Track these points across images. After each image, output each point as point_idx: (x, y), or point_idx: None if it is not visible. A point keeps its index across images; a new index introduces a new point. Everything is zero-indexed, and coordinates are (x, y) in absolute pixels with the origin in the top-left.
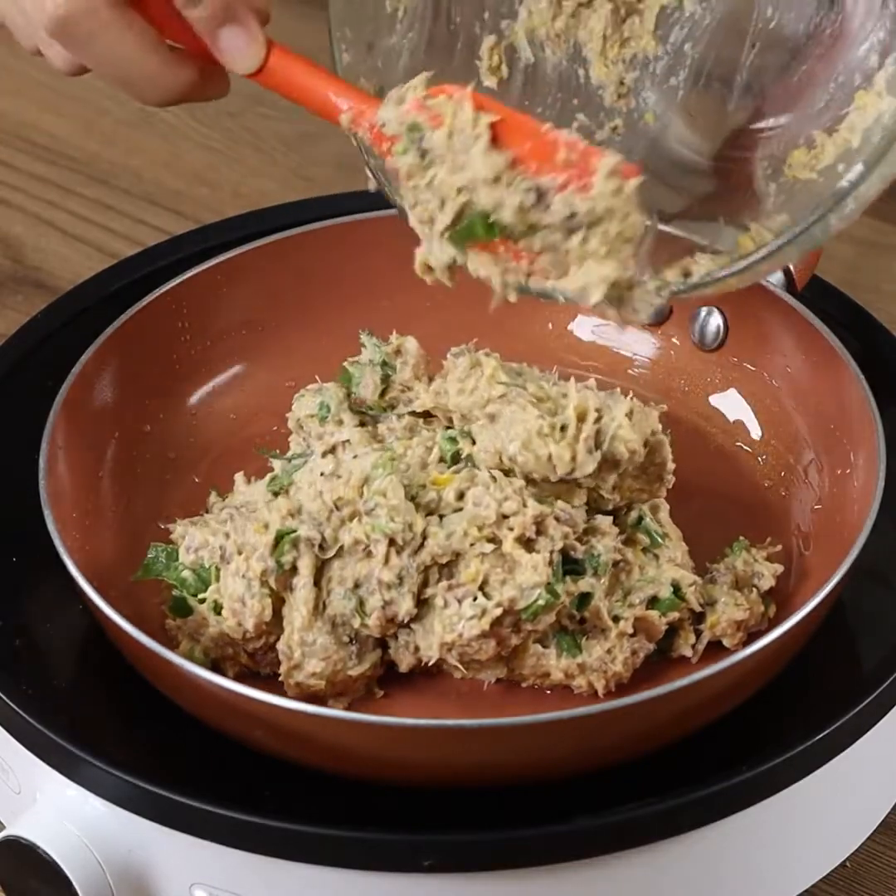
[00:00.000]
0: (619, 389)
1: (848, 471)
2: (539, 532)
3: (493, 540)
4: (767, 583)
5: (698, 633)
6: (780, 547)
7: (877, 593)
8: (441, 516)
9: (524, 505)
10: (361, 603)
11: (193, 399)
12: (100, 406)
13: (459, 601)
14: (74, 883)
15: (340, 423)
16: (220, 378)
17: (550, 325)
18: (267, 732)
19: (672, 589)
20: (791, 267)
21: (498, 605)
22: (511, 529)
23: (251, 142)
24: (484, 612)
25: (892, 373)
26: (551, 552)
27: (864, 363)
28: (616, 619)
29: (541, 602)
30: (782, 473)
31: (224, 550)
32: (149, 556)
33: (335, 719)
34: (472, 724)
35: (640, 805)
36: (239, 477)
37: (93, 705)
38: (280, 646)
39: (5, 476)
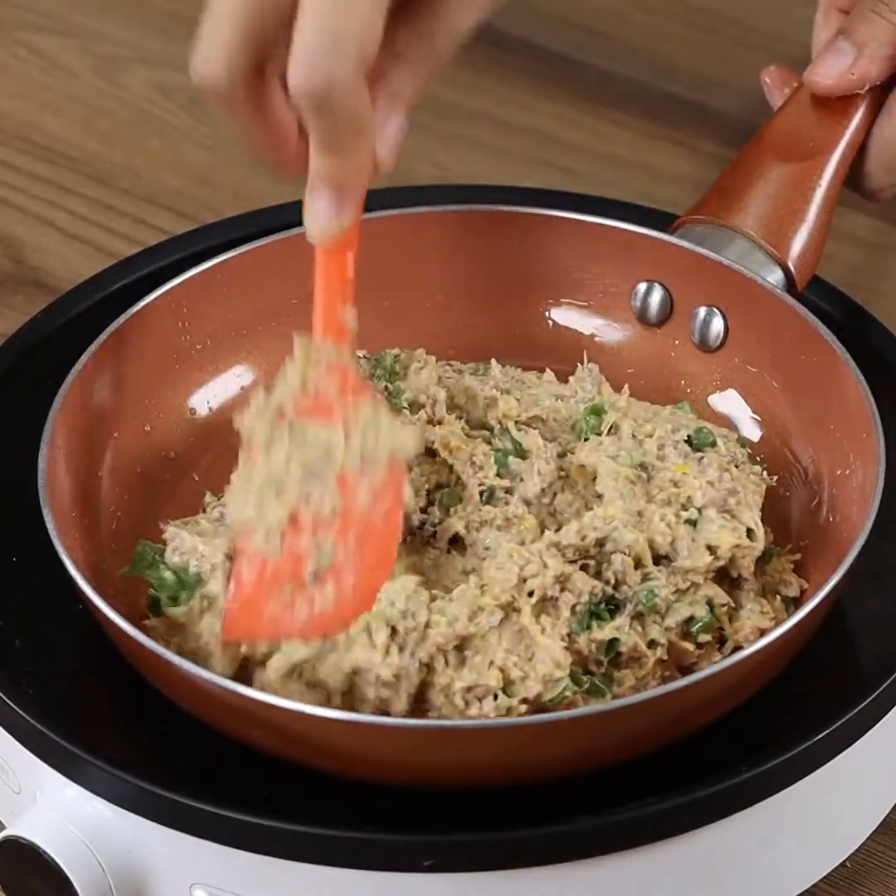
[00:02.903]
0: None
1: (847, 471)
2: (562, 588)
3: (505, 607)
4: (793, 591)
5: (722, 642)
6: (799, 556)
7: (877, 593)
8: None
9: (545, 566)
10: (355, 685)
11: (193, 399)
12: (99, 406)
13: (480, 700)
14: (74, 883)
15: None
16: (219, 378)
17: (551, 324)
18: (265, 732)
19: (708, 608)
20: (791, 267)
21: (523, 701)
22: (530, 595)
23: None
24: (509, 709)
25: (892, 373)
26: (573, 610)
27: (864, 363)
28: (652, 643)
29: (568, 693)
30: (782, 474)
31: (214, 568)
32: (136, 551)
33: (335, 720)
34: (472, 724)
35: (640, 805)
36: (235, 477)
37: (93, 705)
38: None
39: (5, 476)
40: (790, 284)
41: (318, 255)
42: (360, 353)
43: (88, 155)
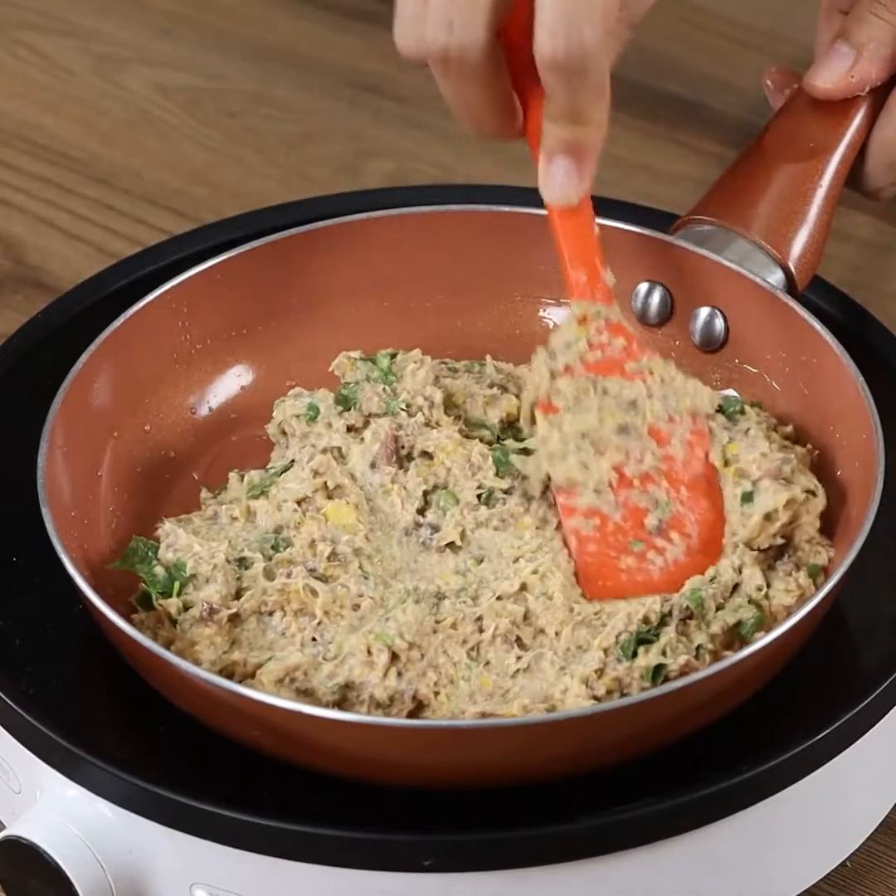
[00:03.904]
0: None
1: (847, 471)
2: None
3: (521, 644)
4: (822, 560)
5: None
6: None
7: (877, 594)
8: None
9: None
10: (345, 699)
11: (193, 399)
12: (99, 405)
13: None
14: (74, 883)
15: (329, 426)
16: (219, 378)
17: (551, 325)
18: (264, 733)
19: (755, 607)
20: (792, 268)
21: None
22: (557, 634)
23: (251, 142)
24: None
25: (892, 373)
26: (617, 639)
27: (863, 363)
28: (699, 651)
29: None
30: None
31: (215, 569)
32: (130, 546)
33: (334, 720)
34: (471, 724)
35: (640, 805)
36: (233, 475)
37: (93, 705)
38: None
39: (5, 476)
40: (791, 285)
41: (561, 221)
42: (355, 355)
43: (88, 155)
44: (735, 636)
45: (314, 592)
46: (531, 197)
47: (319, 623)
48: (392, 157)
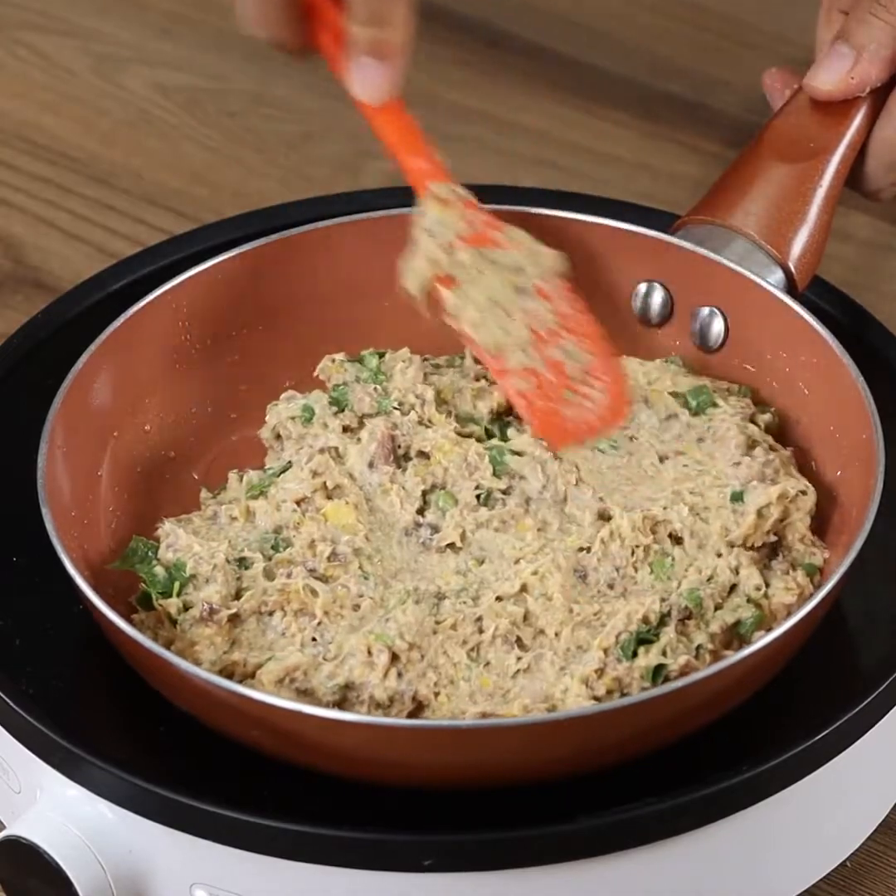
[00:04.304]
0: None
1: (847, 471)
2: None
3: (521, 645)
4: (818, 560)
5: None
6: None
7: (877, 593)
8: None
9: (570, 610)
10: (345, 699)
11: (193, 399)
12: (99, 405)
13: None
14: (74, 883)
15: (325, 426)
16: (219, 378)
17: None
18: (264, 733)
19: (754, 606)
20: (792, 268)
21: None
22: (557, 635)
23: (251, 142)
24: None
25: (892, 373)
26: (617, 639)
27: (863, 363)
28: (699, 651)
29: None
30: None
31: (215, 569)
32: (130, 546)
33: (334, 720)
34: (471, 724)
35: (640, 805)
36: (232, 475)
37: (93, 705)
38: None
39: (5, 476)
40: (791, 285)
41: (380, 117)
42: (339, 357)
43: (88, 155)
44: (734, 636)
45: (314, 592)
46: (531, 197)
47: (319, 623)
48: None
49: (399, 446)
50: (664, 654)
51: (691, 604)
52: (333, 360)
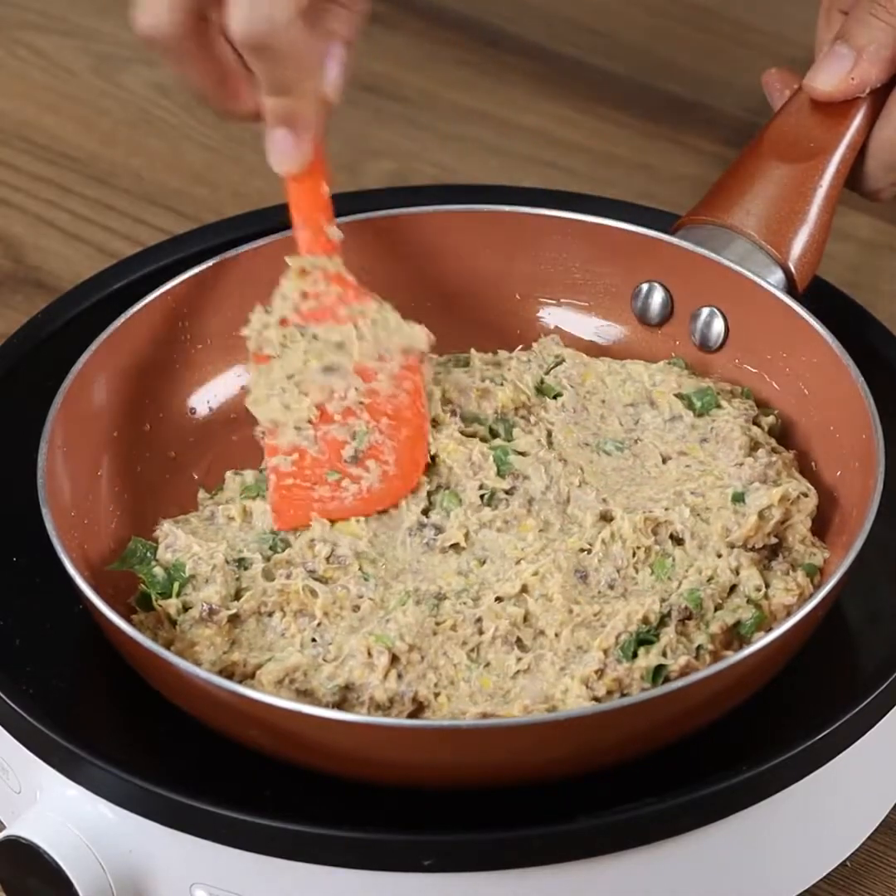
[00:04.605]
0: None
1: (847, 471)
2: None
3: (522, 646)
4: (818, 560)
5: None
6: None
7: (877, 593)
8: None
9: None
10: (345, 700)
11: (193, 399)
12: (99, 405)
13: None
14: (75, 883)
15: None
16: (219, 378)
17: (553, 326)
18: (263, 732)
19: (754, 607)
20: (792, 268)
21: None
22: (557, 636)
23: (251, 142)
24: None
25: (892, 373)
26: (617, 640)
27: (864, 364)
28: (699, 651)
29: None
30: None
31: (214, 569)
32: (128, 547)
33: (334, 721)
34: (472, 724)
35: (640, 805)
36: (229, 475)
37: (93, 705)
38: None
39: (5, 476)
40: (791, 285)
41: (290, 186)
42: None
43: (88, 155)
44: (734, 636)
45: (313, 593)
46: (531, 197)
47: (319, 624)
48: (392, 157)
49: None
50: (664, 654)
51: (691, 604)
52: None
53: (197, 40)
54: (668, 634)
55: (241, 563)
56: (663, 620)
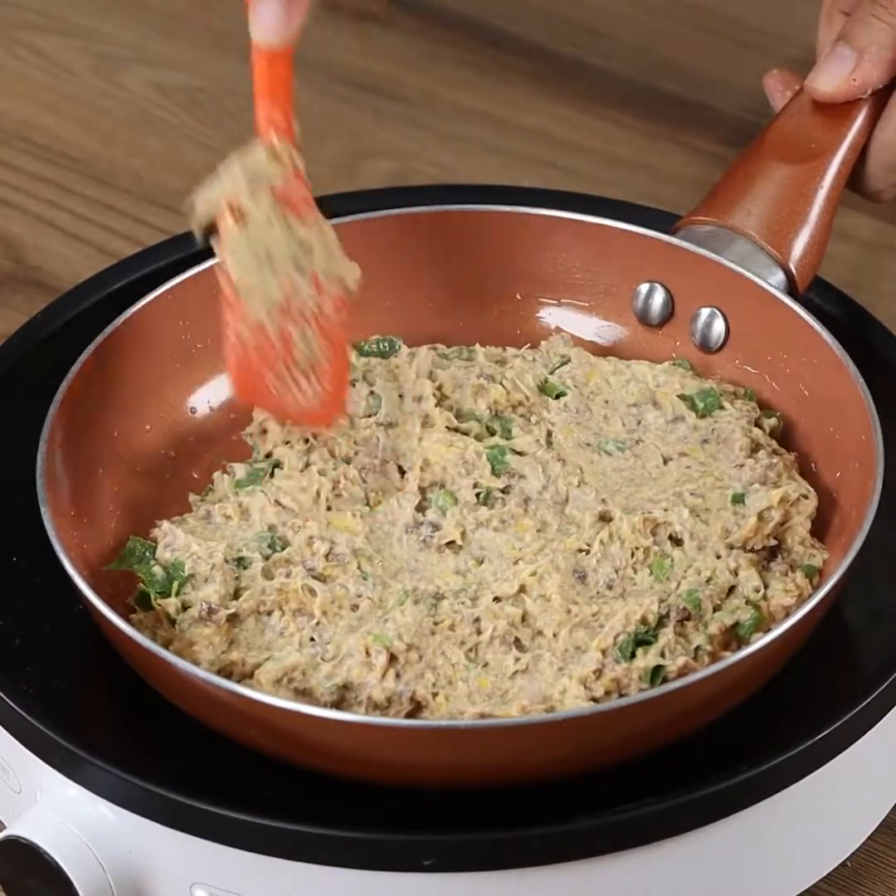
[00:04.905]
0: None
1: (847, 472)
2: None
3: (520, 646)
4: (817, 562)
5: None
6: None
7: (876, 593)
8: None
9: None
10: (343, 699)
11: (193, 399)
12: (99, 406)
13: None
14: (75, 883)
15: None
16: (220, 378)
17: (553, 326)
18: (264, 733)
19: (753, 608)
20: (792, 269)
21: None
22: (555, 636)
23: (251, 142)
24: None
25: (892, 374)
26: (615, 640)
27: (864, 364)
28: (697, 652)
29: None
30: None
31: (214, 568)
32: (127, 547)
33: (334, 720)
34: (471, 724)
35: (640, 805)
36: (217, 475)
37: (93, 705)
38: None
39: (5, 476)
40: (791, 286)
41: (263, 60)
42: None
43: (88, 155)
44: (733, 637)
45: (312, 592)
46: (531, 197)
47: (318, 623)
48: (392, 157)
49: (387, 460)
50: (662, 655)
51: (690, 605)
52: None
53: None
54: (667, 635)
55: (241, 563)
56: (662, 621)
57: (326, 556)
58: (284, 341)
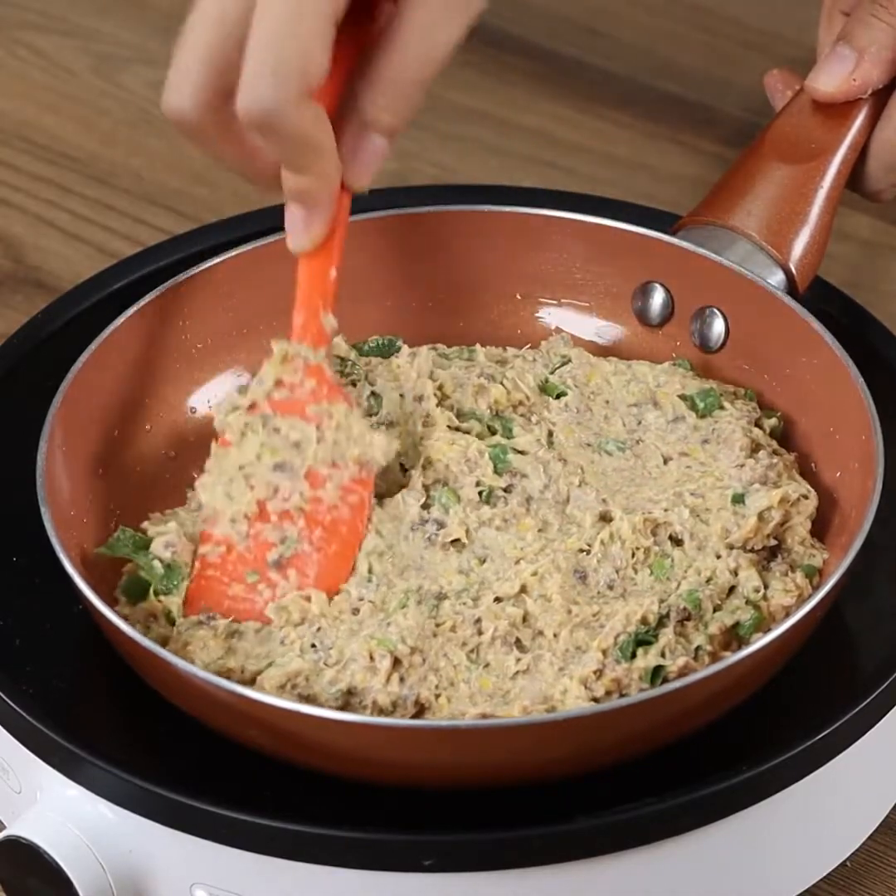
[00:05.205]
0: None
1: (846, 472)
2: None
3: (520, 646)
4: (817, 562)
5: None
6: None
7: (876, 593)
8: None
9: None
10: (348, 704)
11: (193, 399)
12: (99, 405)
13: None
14: (75, 883)
15: None
16: (219, 378)
17: (553, 326)
18: (263, 733)
19: (753, 608)
20: (792, 269)
21: None
22: (556, 636)
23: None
24: None
25: (892, 374)
26: (616, 640)
27: (864, 364)
28: (698, 652)
29: None
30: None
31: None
32: (116, 536)
33: (334, 721)
34: (471, 724)
35: (640, 805)
36: (208, 465)
37: (93, 705)
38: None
39: (5, 476)
40: (791, 286)
41: (300, 262)
42: (343, 345)
43: (88, 155)
44: (733, 637)
45: (308, 599)
46: (531, 197)
47: (318, 629)
48: (392, 157)
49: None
50: (663, 655)
51: (690, 605)
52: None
53: (222, 120)
54: (667, 635)
55: None
56: (662, 621)
57: None
58: (259, 547)
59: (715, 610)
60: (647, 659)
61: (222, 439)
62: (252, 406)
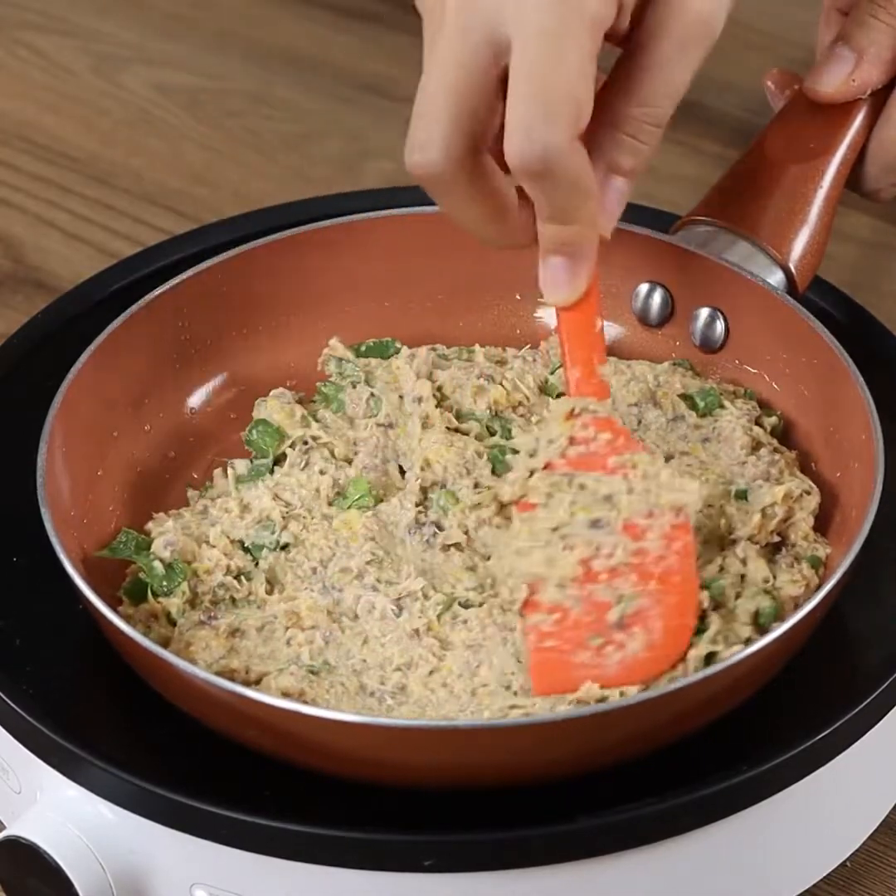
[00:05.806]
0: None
1: (847, 473)
2: None
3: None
4: (821, 553)
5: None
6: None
7: (877, 594)
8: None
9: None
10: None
11: (193, 399)
12: (99, 405)
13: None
14: (75, 883)
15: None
16: (219, 378)
17: (553, 326)
18: (264, 733)
19: (769, 596)
20: (792, 269)
21: None
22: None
23: (251, 142)
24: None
25: (892, 374)
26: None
27: (864, 364)
28: (748, 639)
29: None
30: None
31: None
32: (119, 538)
33: (334, 721)
34: (471, 724)
35: (640, 805)
36: (218, 472)
37: (93, 705)
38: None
39: (5, 476)
40: (791, 286)
41: (562, 316)
42: (339, 346)
43: (88, 155)
44: (757, 625)
45: (317, 606)
46: None
47: (328, 633)
48: (392, 157)
49: (388, 460)
50: (714, 641)
51: (715, 594)
52: (332, 358)
53: (473, 175)
54: (716, 623)
55: (243, 546)
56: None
57: (341, 571)
58: (595, 609)
59: (736, 597)
60: (698, 648)
61: (522, 504)
62: (547, 466)
